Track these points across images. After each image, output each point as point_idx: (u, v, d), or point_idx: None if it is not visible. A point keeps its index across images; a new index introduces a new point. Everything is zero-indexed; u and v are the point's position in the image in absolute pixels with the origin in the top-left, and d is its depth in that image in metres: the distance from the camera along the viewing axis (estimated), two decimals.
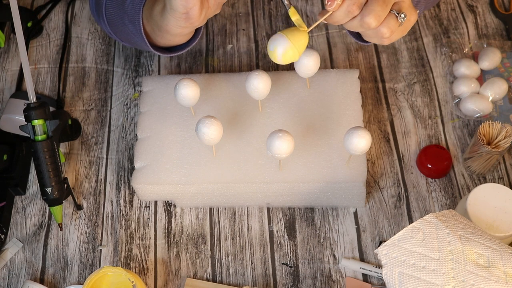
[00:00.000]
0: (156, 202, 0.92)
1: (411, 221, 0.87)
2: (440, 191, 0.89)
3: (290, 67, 0.85)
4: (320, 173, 0.83)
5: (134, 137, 0.97)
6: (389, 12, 0.69)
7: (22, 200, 0.94)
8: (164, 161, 0.87)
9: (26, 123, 0.82)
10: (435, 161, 0.89)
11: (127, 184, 0.94)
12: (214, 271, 0.85)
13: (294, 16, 0.73)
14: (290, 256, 0.86)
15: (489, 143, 0.84)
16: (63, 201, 0.85)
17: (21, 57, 0.80)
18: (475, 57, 1.00)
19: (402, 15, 0.69)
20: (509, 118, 0.94)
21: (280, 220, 0.89)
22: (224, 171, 0.85)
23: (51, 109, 0.96)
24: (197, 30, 0.85)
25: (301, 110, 0.89)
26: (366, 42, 0.82)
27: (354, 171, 0.83)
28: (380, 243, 0.85)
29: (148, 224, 0.90)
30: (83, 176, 0.95)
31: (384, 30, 0.69)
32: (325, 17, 0.70)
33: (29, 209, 0.93)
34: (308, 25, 0.74)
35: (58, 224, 0.86)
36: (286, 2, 0.73)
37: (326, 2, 0.68)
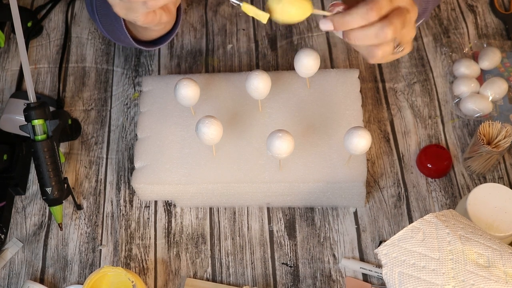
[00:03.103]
0: (156, 202, 0.92)
1: (411, 221, 0.87)
2: (440, 191, 0.89)
3: (290, 67, 0.85)
4: (320, 173, 0.83)
5: (134, 137, 0.97)
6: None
7: (22, 200, 0.94)
8: (164, 161, 0.87)
9: (26, 123, 0.82)
10: (435, 161, 0.89)
11: (127, 184, 0.94)
12: (214, 271, 0.85)
13: (250, 12, 0.67)
14: (290, 256, 0.86)
15: (489, 143, 0.84)
16: (63, 201, 0.85)
17: (21, 57, 0.80)
18: (475, 57, 1.00)
19: (400, 49, 0.70)
20: (509, 118, 0.94)
21: (280, 220, 0.88)
22: (224, 171, 0.85)
23: (51, 109, 0.95)
24: (178, 12, 0.85)
25: (301, 110, 0.89)
26: None
27: (354, 171, 0.83)
28: (380, 243, 0.85)
29: (148, 224, 0.90)
30: (83, 176, 0.95)
31: (378, 52, 0.69)
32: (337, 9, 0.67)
33: (29, 209, 0.93)
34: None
35: (58, 224, 0.86)
36: (235, 2, 0.67)
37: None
